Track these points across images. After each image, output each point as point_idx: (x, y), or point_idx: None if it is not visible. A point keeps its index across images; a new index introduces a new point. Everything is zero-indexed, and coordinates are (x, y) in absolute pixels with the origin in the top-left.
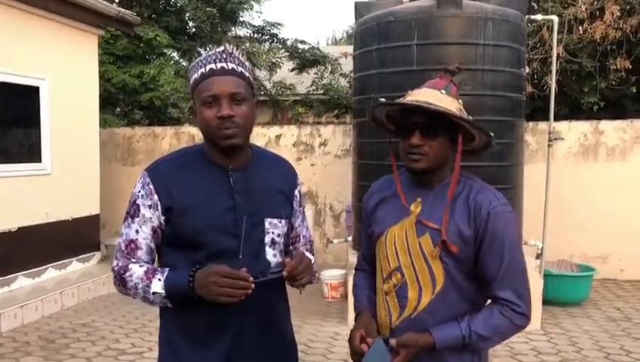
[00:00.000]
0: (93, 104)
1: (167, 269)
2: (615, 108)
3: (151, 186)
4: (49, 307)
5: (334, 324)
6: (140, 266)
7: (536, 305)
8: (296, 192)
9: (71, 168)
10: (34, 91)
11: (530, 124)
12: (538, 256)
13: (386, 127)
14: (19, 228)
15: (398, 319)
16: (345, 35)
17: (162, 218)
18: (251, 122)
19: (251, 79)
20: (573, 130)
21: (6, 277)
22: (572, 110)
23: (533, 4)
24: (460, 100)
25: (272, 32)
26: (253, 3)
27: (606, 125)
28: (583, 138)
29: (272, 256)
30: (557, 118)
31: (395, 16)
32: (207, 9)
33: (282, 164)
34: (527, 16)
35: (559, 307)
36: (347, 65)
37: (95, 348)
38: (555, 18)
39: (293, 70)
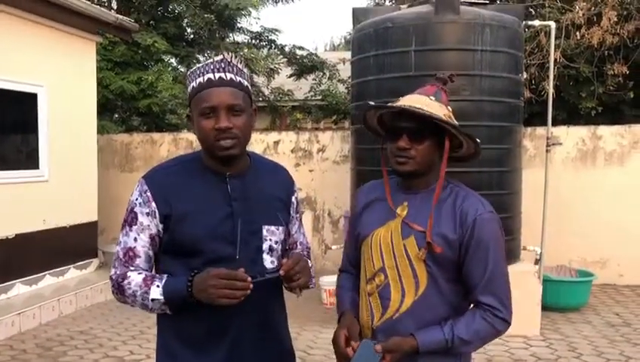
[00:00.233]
0: (91, 110)
1: (165, 276)
2: (613, 113)
3: (148, 194)
4: (46, 314)
5: (333, 331)
6: (139, 274)
7: (535, 311)
8: (294, 199)
9: (69, 175)
10: (32, 98)
11: (528, 129)
12: (537, 262)
13: (379, 132)
14: (16, 235)
15: (379, 320)
16: (343, 41)
17: (160, 226)
18: (249, 132)
19: (250, 88)
20: (571, 135)
21: (3, 284)
22: (570, 115)
23: (531, 9)
24: (449, 107)
25: (270, 38)
26: (251, 9)
27: (604, 130)
28: (581, 143)
29: (269, 262)
30: (555, 123)
31: (392, 22)
32: (205, 15)
33: (279, 171)
34: (524, 22)
35: (558, 312)
36: (345, 71)
37: (93, 356)
38: (552, 24)
39: (291, 76)
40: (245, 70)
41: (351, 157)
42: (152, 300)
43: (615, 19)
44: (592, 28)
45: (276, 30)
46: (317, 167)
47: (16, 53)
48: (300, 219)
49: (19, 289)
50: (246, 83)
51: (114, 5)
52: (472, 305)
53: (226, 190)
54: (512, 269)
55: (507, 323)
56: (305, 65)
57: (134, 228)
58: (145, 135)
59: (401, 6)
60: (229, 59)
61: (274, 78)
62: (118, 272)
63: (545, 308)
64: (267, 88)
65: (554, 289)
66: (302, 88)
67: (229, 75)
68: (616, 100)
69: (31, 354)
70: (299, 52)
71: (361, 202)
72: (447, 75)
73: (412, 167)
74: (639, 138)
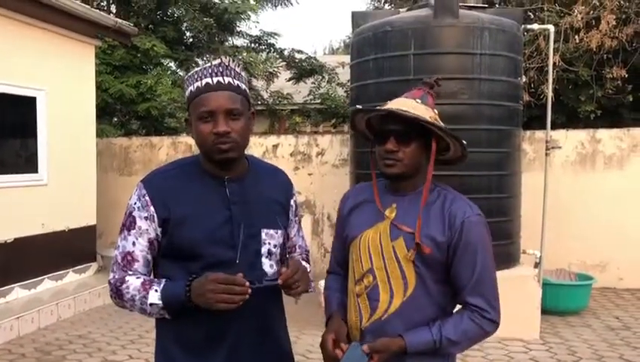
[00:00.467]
0: (90, 114)
1: (163, 280)
2: (612, 116)
3: (147, 198)
4: (45, 318)
5: None
6: (137, 278)
7: (534, 315)
8: (292, 202)
9: (68, 178)
10: (31, 102)
11: (528, 132)
12: (536, 265)
13: (367, 135)
14: (15, 239)
15: (368, 321)
16: (342, 44)
17: (159, 230)
18: (247, 136)
19: (247, 92)
20: (571, 139)
21: (2, 288)
22: (569, 118)
23: (530, 13)
24: (435, 110)
25: (269, 41)
26: (250, 13)
27: (603, 134)
28: (580, 146)
29: (268, 266)
30: (554, 127)
31: (392, 26)
32: (205, 19)
33: (278, 174)
34: (523, 26)
35: (558, 316)
36: (344, 75)
37: (92, 360)
38: (551, 27)
39: (290, 80)
40: (243, 74)
41: (350, 161)
42: (151, 305)
43: (614, 22)
44: (591, 31)
45: (275, 34)
46: (316, 170)
47: (16, 56)
48: (299, 223)
49: (17, 293)
50: (244, 87)
51: (113, 9)
52: (460, 306)
53: (225, 194)
54: (512, 273)
55: (495, 324)
56: (304, 68)
57: (133, 232)
58: (144, 139)
59: (400, 10)
60: (227, 63)
61: (273, 81)
62: (116, 276)
63: (544, 311)
64: (266, 92)
65: (553, 292)
66: (301, 92)
67: (226, 79)
68: (615, 104)
69: (30, 358)
70: (298, 56)
71: (349, 204)
72: (433, 79)
73: (400, 169)
74: (638, 141)
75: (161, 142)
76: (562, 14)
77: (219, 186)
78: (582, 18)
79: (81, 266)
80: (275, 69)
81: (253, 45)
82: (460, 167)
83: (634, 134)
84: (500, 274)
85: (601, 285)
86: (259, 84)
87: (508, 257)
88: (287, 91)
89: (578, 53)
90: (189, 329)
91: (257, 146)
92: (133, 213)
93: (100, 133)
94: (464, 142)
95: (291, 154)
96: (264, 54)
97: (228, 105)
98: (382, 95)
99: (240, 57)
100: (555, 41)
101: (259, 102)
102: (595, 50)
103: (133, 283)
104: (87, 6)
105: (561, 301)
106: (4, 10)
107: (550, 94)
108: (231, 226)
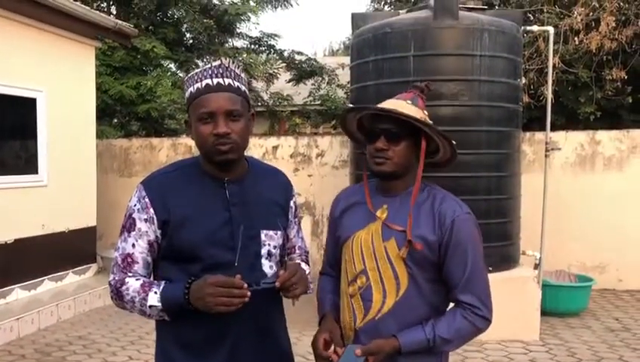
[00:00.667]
0: (90, 115)
1: (163, 282)
2: (611, 118)
3: (147, 200)
4: (45, 319)
5: None
6: (137, 280)
7: (534, 316)
8: (292, 203)
9: (67, 180)
10: (31, 103)
11: (527, 134)
12: (536, 267)
13: (355, 137)
14: (15, 240)
15: (362, 321)
16: (342, 46)
17: (159, 231)
18: (247, 137)
19: (247, 93)
20: (570, 140)
21: (2, 289)
22: (568, 120)
23: (529, 15)
24: (425, 112)
25: (269, 43)
26: (250, 15)
27: (602, 135)
28: (580, 148)
29: (268, 267)
30: (553, 128)
31: (391, 27)
32: (205, 21)
33: (278, 176)
34: (522, 27)
35: (558, 317)
36: (344, 76)
37: (92, 361)
38: (550, 29)
39: (290, 81)
40: (243, 75)
41: (350, 162)
42: (150, 307)
43: (613, 24)
44: (591, 33)
45: (275, 35)
46: (316, 171)
47: (16, 58)
48: (299, 224)
49: (17, 294)
50: (244, 88)
51: (113, 10)
52: (452, 305)
53: (225, 195)
54: (512, 274)
55: (487, 320)
56: (304, 70)
57: (133, 234)
58: (144, 140)
59: (400, 11)
60: (227, 65)
61: (273, 83)
62: (116, 278)
63: (544, 313)
64: (266, 93)
65: (553, 294)
66: (301, 93)
67: (226, 81)
68: (615, 105)
69: (30, 359)
70: (298, 57)
71: (341, 206)
72: (424, 84)
73: (389, 168)
74: (638, 143)
75: (161, 143)
76: (562, 16)
77: (218, 188)
78: (581, 20)
79: (81, 267)
80: (275, 71)
81: (253, 47)
82: (460, 168)
83: (633, 136)
84: (500, 276)
85: (601, 286)
86: (259, 85)
87: (508, 258)
88: (287, 92)
89: (578, 54)
90: (188, 330)
91: (257, 148)
92: (133, 215)
93: (100, 135)
94: (453, 142)
95: (291, 156)
96: (264, 56)
97: (228, 107)
98: (382, 96)
99: (240, 59)
100: (554, 43)
101: (259, 104)
102: (594, 51)
103: (133, 284)
104: (87, 7)
105: (561, 302)
106: (5, 12)
107: (550, 96)
108: (231, 228)
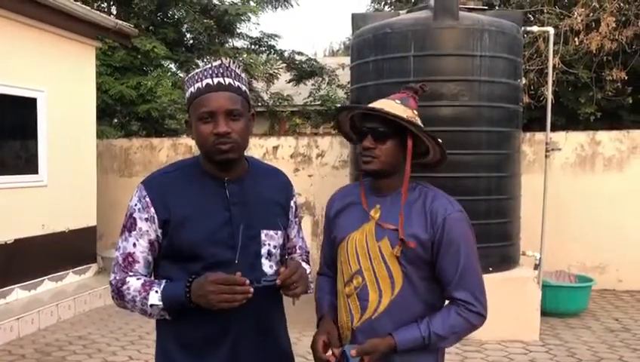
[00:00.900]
0: (90, 115)
1: (163, 281)
2: (611, 118)
3: (147, 199)
4: (45, 319)
5: None
6: (137, 279)
7: (534, 316)
8: (292, 203)
9: (68, 180)
10: (31, 103)
11: (527, 134)
12: (536, 267)
13: (350, 136)
14: (15, 240)
15: (359, 321)
16: (342, 46)
17: (159, 231)
18: (247, 137)
19: (248, 93)
20: (570, 141)
21: (2, 289)
22: (569, 120)
23: (529, 15)
24: (415, 111)
25: (269, 43)
26: (250, 15)
27: (602, 136)
28: (580, 148)
29: (268, 267)
30: (554, 129)
31: (391, 27)
32: (205, 21)
33: (278, 176)
34: (523, 28)
35: (558, 318)
36: (344, 77)
37: (92, 361)
38: (550, 30)
39: (290, 81)
40: (243, 75)
41: (350, 163)
42: (151, 306)
43: (613, 25)
44: (591, 34)
45: (275, 35)
46: (316, 172)
47: (16, 58)
48: (299, 224)
49: (17, 294)
50: (244, 88)
51: (113, 10)
52: (447, 302)
53: (225, 195)
54: (512, 274)
55: (482, 316)
56: (304, 70)
57: (133, 233)
58: (144, 140)
59: (400, 12)
60: (227, 64)
61: (273, 83)
62: (117, 277)
63: (544, 313)
64: (266, 93)
65: (553, 294)
66: (301, 93)
67: (227, 80)
68: (615, 106)
69: (30, 359)
70: (298, 57)
71: (336, 206)
72: (419, 84)
73: (376, 166)
74: (638, 143)
75: (161, 143)
76: (562, 16)
77: (219, 187)
78: (582, 20)
79: (81, 267)
80: (275, 71)
81: (253, 47)
82: (460, 168)
83: (633, 136)
84: (500, 276)
85: (601, 287)
86: (259, 85)
87: (508, 259)
88: (288, 93)
89: (578, 55)
90: (189, 330)
91: (257, 148)
92: (134, 215)
93: (100, 135)
94: (439, 140)
95: (291, 156)
96: (264, 56)
97: (228, 106)
98: (382, 97)
99: (240, 59)
100: (554, 43)
101: (259, 104)
102: (594, 52)
103: (134, 284)
104: (87, 7)
105: (561, 302)
106: (5, 12)
107: (550, 96)
108: (231, 227)
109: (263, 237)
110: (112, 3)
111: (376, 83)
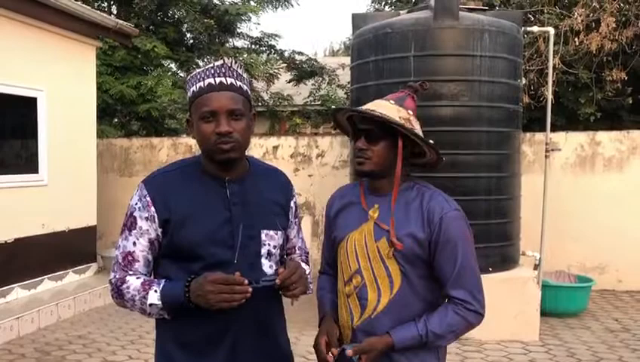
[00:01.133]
0: (90, 115)
1: (163, 280)
2: (611, 119)
3: (148, 198)
4: (45, 318)
5: None
6: (137, 278)
7: (534, 316)
8: (292, 203)
9: (68, 179)
10: (32, 102)
11: (527, 134)
12: (536, 267)
13: (348, 131)
14: (15, 240)
15: (359, 320)
16: (342, 46)
17: (159, 230)
18: (248, 137)
19: (249, 93)
20: (570, 141)
21: (2, 288)
22: (569, 121)
23: (529, 15)
24: (410, 111)
25: (269, 43)
26: (250, 15)
27: (602, 136)
28: (580, 149)
29: (267, 267)
30: (554, 129)
31: (392, 27)
32: (205, 21)
33: (278, 176)
34: (523, 28)
35: (557, 318)
36: (344, 77)
37: (91, 360)
38: (551, 30)
39: (290, 81)
40: (245, 75)
41: (350, 163)
42: (150, 305)
43: (614, 25)
44: (591, 34)
45: (276, 35)
46: (316, 172)
47: (16, 57)
48: (299, 224)
49: (17, 293)
50: (246, 88)
51: (114, 10)
52: (445, 300)
53: (225, 194)
54: (511, 275)
55: (479, 315)
56: (304, 70)
57: (134, 232)
58: (144, 140)
59: (401, 12)
60: (229, 64)
61: (273, 83)
62: (117, 276)
63: (544, 313)
64: (266, 93)
65: (553, 294)
66: (301, 93)
67: (229, 80)
68: (615, 106)
69: (29, 358)
70: (298, 57)
71: (336, 206)
72: (419, 83)
73: (369, 167)
74: (638, 144)
75: (161, 143)
76: (562, 17)
77: (219, 187)
78: (582, 21)
79: (81, 267)
80: (276, 71)
81: (253, 47)
82: (460, 168)
83: (633, 136)
84: (500, 276)
85: (601, 287)
86: (259, 85)
87: (508, 259)
88: (288, 93)
89: (578, 55)
90: (188, 329)
91: (258, 147)
92: (134, 214)
93: (100, 134)
94: (431, 141)
95: (291, 156)
96: (264, 56)
97: (230, 106)
98: (382, 97)
99: (240, 59)
100: (554, 44)
101: (259, 104)
102: (594, 52)
103: (134, 283)
104: (88, 7)
105: (561, 303)
106: (5, 11)
107: (550, 96)
108: (231, 227)
109: (262, 237)
110: (112, 3)
111: (377, 83)
